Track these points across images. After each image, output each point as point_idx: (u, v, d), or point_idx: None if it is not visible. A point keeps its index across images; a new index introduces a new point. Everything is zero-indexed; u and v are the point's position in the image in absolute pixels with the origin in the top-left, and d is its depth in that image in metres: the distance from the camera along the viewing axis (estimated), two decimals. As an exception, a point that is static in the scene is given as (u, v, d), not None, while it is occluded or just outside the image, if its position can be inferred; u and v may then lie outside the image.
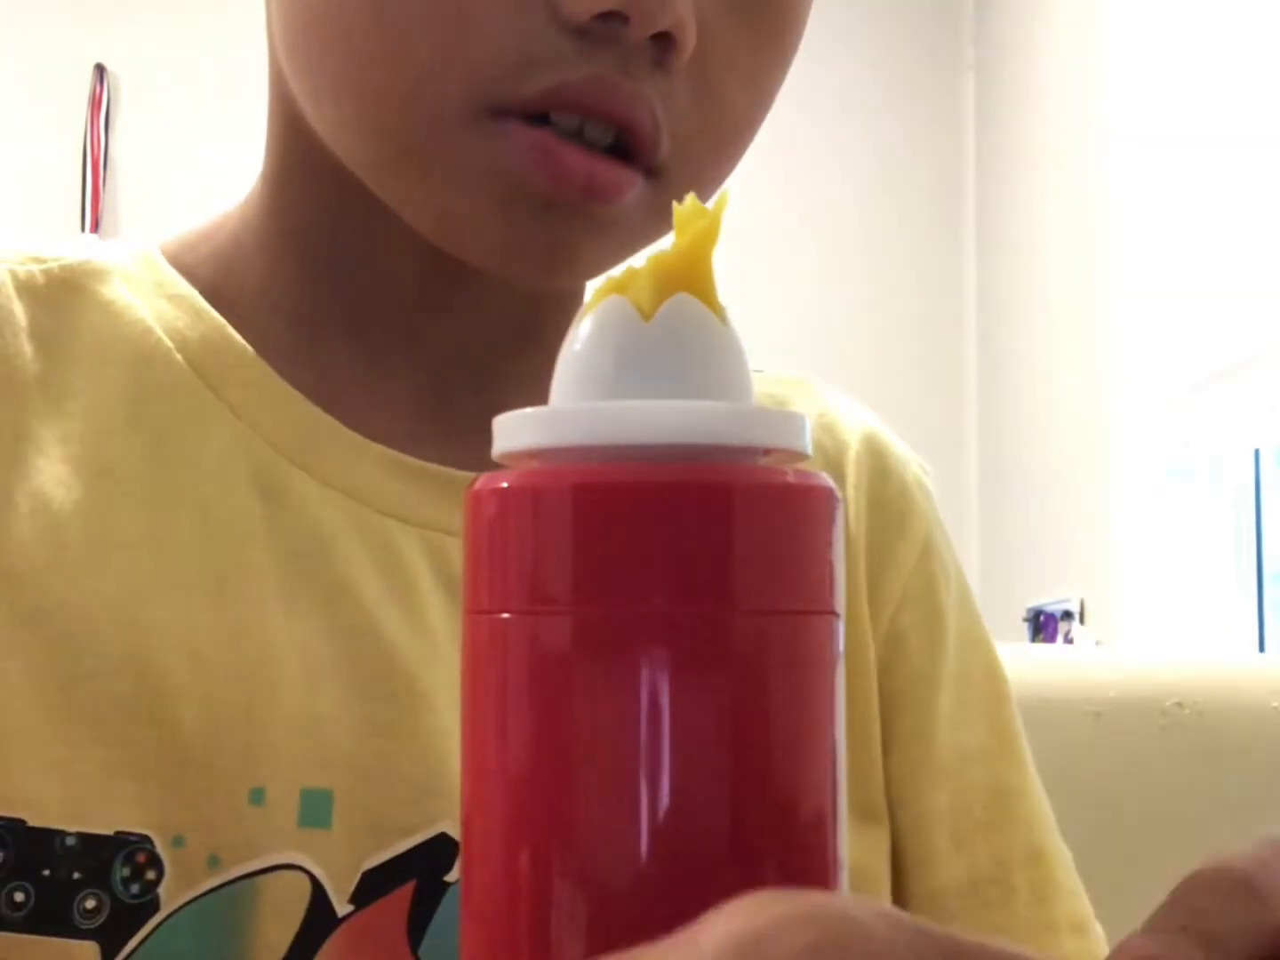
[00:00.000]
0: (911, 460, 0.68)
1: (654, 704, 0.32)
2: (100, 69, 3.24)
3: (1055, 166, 2.77)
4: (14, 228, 2.91)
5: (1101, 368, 2.45)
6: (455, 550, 0.56)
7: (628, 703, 0.32)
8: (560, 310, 0.61)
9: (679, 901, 0.32)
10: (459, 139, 0.51)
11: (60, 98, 3.21)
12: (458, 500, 0.59)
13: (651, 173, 0.53)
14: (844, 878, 0.34)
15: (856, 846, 0.62)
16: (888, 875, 0.63)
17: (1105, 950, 0.64)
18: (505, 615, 0.34)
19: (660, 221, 0.55)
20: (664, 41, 0.50)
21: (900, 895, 0.63)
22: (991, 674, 0.66)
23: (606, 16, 0.49)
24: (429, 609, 0.55)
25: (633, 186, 0.52)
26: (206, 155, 3.06)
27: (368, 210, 0.56)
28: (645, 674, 0.32)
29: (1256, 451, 2.32)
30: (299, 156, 0.58)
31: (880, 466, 0.66)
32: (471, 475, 0.58)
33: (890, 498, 0.65)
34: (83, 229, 3.16)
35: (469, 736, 0.35)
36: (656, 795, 0.32)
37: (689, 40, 0.51)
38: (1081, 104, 2.60)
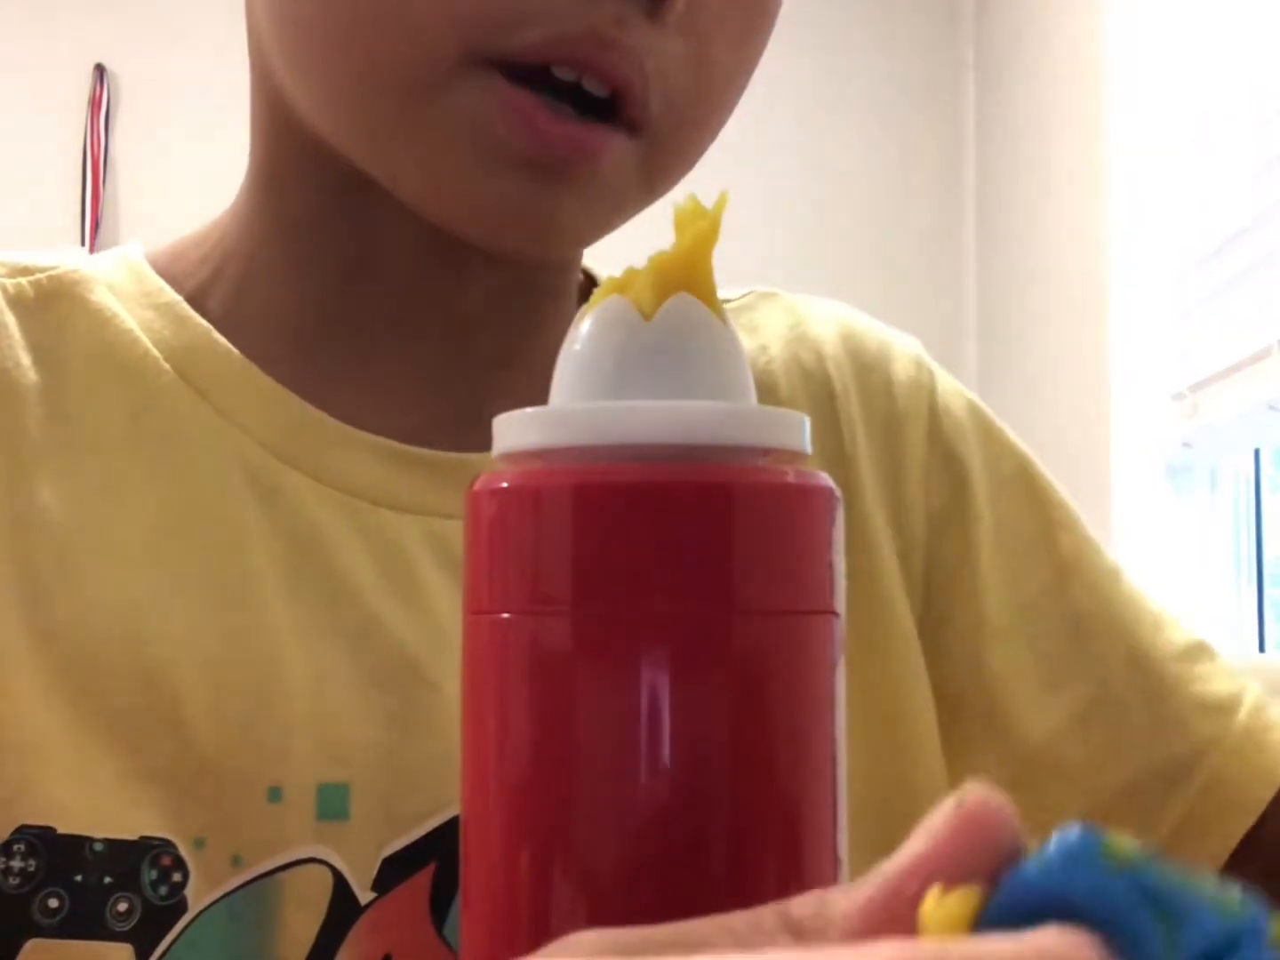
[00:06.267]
0: (894, 340, 0.68)
1: (654, 704, 0.32)
2: (100, 69, 3.24)
3: (1056, 167, 2.77)
4: (14, 228, 2.91)
5: (1102, 367, 2.46)
6: (455, 534, 0.57)
7: (628, 703, 0.32)
8: (555, 300, 0.62)
9: (679, 901, 0.32)
10: (448, 95, 0.51)
11: (60, 98, 3.20)
12: (454, 483, 0.59)
13: (635, 129, 0.53)
14: (844, 876, 0.34)
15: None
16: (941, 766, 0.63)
17: (1270, 703, 0.63)
18: (505, 615, 0.34)
19: (647, 183, 0.55)
20: None
21: (990, 760, 0.63)
22: (1032, 511, 0.66)
23: None
24: (432, 595, 0.56)
25: (611, 144, 0.52)
26: (207, 156, 3.06)
27: (359, 203, 0.56)
28: (645, 674, 0.32)
29: (1256, 451, 2.31)
30: (288, 152, 0.58)
31: (860, 362, 0.66)
32: (465, 457, 0.58)
33: (879, 386, 0.66)
34: (83, 229, 3.15)
35: (469, 736, 0.35)
36: (656, 795, 0.32)
37: None
38: (1083, 105, 2.60)
